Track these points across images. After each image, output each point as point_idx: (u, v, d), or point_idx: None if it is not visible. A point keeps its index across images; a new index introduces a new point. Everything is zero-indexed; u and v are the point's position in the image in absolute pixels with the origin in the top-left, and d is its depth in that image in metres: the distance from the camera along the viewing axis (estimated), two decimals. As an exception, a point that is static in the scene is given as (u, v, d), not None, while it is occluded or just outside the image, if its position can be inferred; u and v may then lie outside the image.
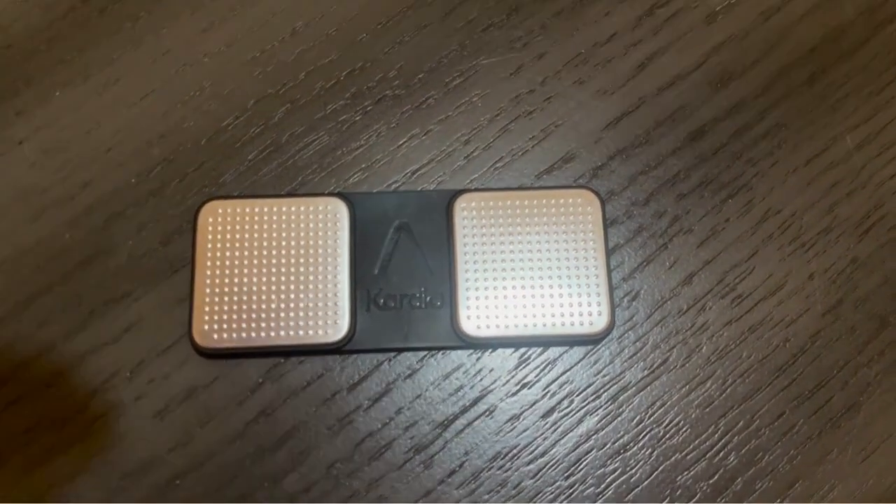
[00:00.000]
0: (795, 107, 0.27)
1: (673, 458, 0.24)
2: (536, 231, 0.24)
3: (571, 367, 0.25)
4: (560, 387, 0.24)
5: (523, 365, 0.25)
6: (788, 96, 0.27)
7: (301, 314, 0.24)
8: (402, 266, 0.24)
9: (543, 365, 0.25)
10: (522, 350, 0.25)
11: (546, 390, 0.24)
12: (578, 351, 0.25)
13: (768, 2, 0.28)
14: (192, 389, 0.24)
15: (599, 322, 0.24)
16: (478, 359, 0.25)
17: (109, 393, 0.24)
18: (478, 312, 0.24)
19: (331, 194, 0.25)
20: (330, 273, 0.24)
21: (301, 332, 0.23)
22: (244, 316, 0.23)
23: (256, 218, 0.24)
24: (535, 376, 0.25)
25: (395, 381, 0.24)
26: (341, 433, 0.24)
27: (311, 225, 0.24)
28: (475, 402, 0.24)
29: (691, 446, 0.24)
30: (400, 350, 0.24)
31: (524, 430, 0.24)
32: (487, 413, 0.24)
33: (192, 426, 0.24)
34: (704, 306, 0.25)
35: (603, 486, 0.24)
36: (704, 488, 0.24)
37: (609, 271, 0.24)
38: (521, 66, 0.27)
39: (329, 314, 0.24)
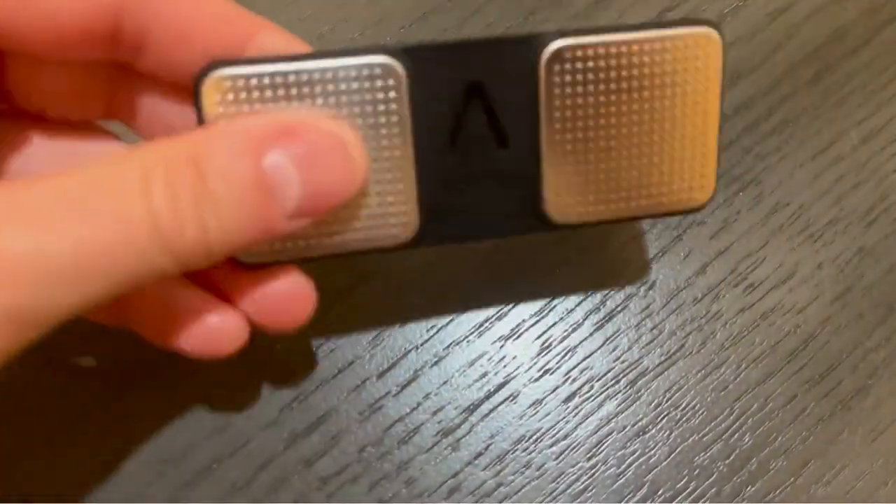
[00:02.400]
0: (802, 104, 0.28)
1: (690, 440, 0.25)
2: (643, 80, 0.20)
3: (591, 354, 0.26)
4: (581, 372, 0.25)
5: (545, 352, 0.26)
6: (795, 94, 0.28)
7: (356, 212, 0.19)
8: (476, 139, 0.20)
9: (564, 352, 0.26)
10: (544, 338, 0.26)
11: (567, 376, 0.25)
12: (598, 337, 0.26)
13: (774, 4, 0.29)
14: (228, 377, 0.25)
15: (701, 191, 0.21)
16: (501, 346, 0.26)
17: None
18: (565, 193, 0.20)
19: (380, 50, 0.19)
20: (387, 156, 0.19)
21: (358, 234, 0.20)
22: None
23: (283, 92, 0.18)
24: (556, 363, 0.26)
25: (423, 368, 0.25)
26: (371, 418, 0.25)
27: (356, 96, 0.19)
28: (499, 387, 0.25)
29: (707, 428, 0.25)
30: (478, 239, 0.21)
31: (547, 415, 0.25)
32: (511, 398, 0.25)
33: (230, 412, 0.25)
34: (718, 295, 0.26)
35: (623, 466, 0.25)
36: (721, 468, 0.25)
37: (718, 131, 0.21)
38: (538, 67, 0.28)
39: (391, 208, 0.19)
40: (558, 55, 0.19)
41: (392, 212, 0.20)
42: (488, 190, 0.20)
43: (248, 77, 0.18)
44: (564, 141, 0.20)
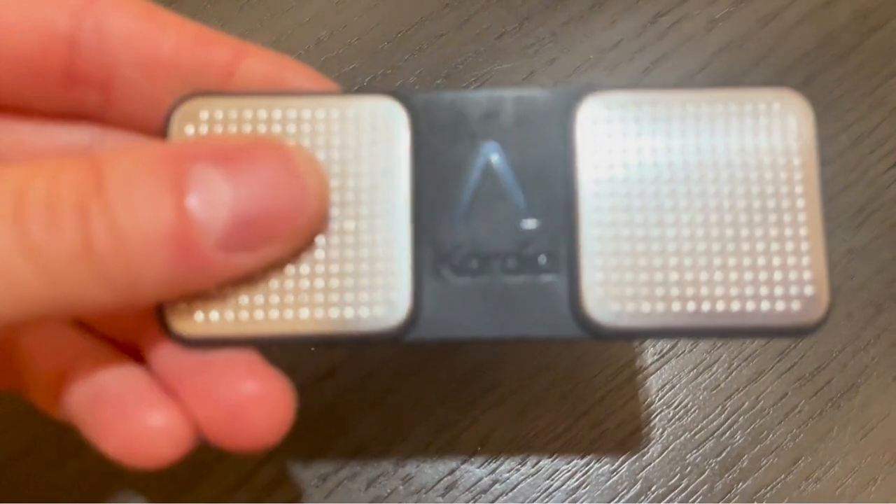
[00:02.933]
0: (792, 107, 0.29)
1: (682, 437, 0.25)
2: (712, 152, 0.16)
3: (585, 353, 0.26)
4: (576, 371, 0.26)
5: (540, 351, 0.26)
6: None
7: (329, 283, 0.15)
8: (491, 208, 0.16)
9: (560, 349, 0.26)
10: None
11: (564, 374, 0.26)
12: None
13: (764, 10, 0.30)
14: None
15: (810, 303, 0.16)
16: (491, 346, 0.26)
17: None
18: (615, 284, 0.16)
19: (381, 94, 0.16)
20: (378, 215, 0.16)
21: (328, 314, 0.15)
22: (235, 287, 0.15)
23: (263, 130, 0.16)
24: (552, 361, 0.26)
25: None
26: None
27: (348, 141, 0.16)
28: (494, 385, 0.26)
29: (699, 426, 0.25)
30: (490, 342, 0.16)
31: (540, 417, 0.25)
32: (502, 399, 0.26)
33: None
34: (710, 295, 0.27)
35: (617, 463, 0.25)
36: (713, 465, 0.25)
37: (822, 220, 0.16)
38: (533, 70, 0.29)
39: (377, 283, 0.15)
40: (599, 112, 0.16)
41: (377, 286, 0.15)
42: (507, 272, 0.16)
43: (225, 109, 0.16)
44: (609, 217, 0.16)
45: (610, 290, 0.16)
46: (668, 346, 0.26)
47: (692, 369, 0.26)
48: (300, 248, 0.15)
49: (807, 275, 0.16)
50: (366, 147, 0.16)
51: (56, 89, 0.17)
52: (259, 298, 0.15)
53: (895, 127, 0.28)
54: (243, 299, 0.15)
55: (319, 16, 0.29)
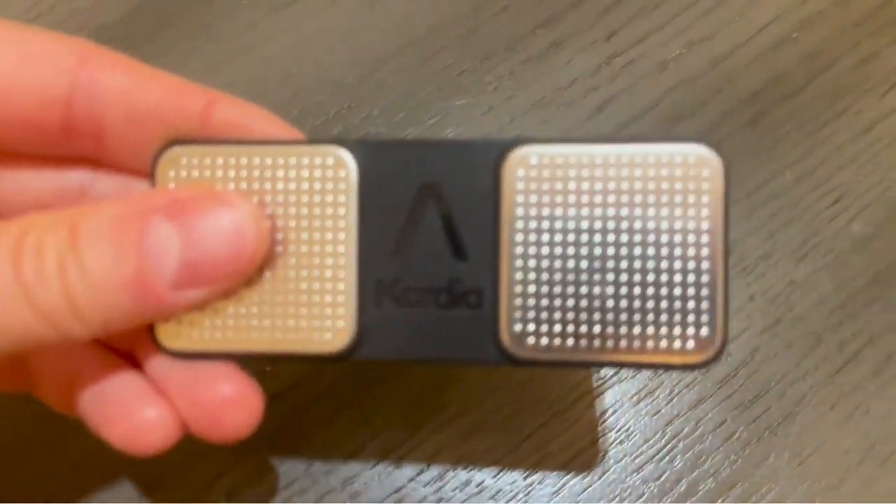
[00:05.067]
0: (739, 144, 0.30)
1: (623, 461, 0.26)
2: (627, 203, 0.17)
3: (530, 380, 0.27)
4: (520, 394, 0.27)
5: (488, 375, 0.27)
6: (733, 135, 0.30)
7: (286, 310, 0.18)
8: (428, 246, 0.18)
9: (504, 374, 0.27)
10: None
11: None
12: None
13: (715, 52, 0.31)
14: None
15: (704, 343, 0.17)
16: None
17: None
18: (532, 318, 0.18)
19: (333, 142, 0.18)
20: (328, 252, 0.18)
21: (287, 335, 0.18)
22: (211, 310, 0.18)
23: (232, 173, 0.18)
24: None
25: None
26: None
27: (304, 185, 0.18)
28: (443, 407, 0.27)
29: (640, 450, 0.26)
30: (423, 361, 0.19)
31: (485, 438, 0.26)
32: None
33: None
34: (654, 323, 0.28)
35: (559, 485, 0.26)
36: (652, 488, 0.26)
37: (726, 266, 0.17)
38: (491, 106, 0.30)
39: (326, 311, 0.18)
40: (525, 163, 0.18)
41: (326, 314, 0.18)
42: (439, 306, 0.18)
43: (199, 155, 0.18)
44: (527, 261, 0.18)
45: (525, 326, 0.18)
46: (611, 372, 0.27)
47: (634, 394, 0.27)
48: (252, 281, 0.18)
49: (704, 318, 0.17)
50: (319, 192, 0.18)
51: (54, 140, 0.19)
52: (229, 322, 0.18)
53: (837, 165, 0.29)
54: (216, 322, 0.18)
55: (289, 51, 0.31)
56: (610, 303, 0.18)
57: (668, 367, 0.18)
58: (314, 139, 0.19)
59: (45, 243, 0.16)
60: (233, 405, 0.19)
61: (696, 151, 0.17)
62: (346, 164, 0.18)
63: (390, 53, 0.31)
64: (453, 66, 0.31)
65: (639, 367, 0.18)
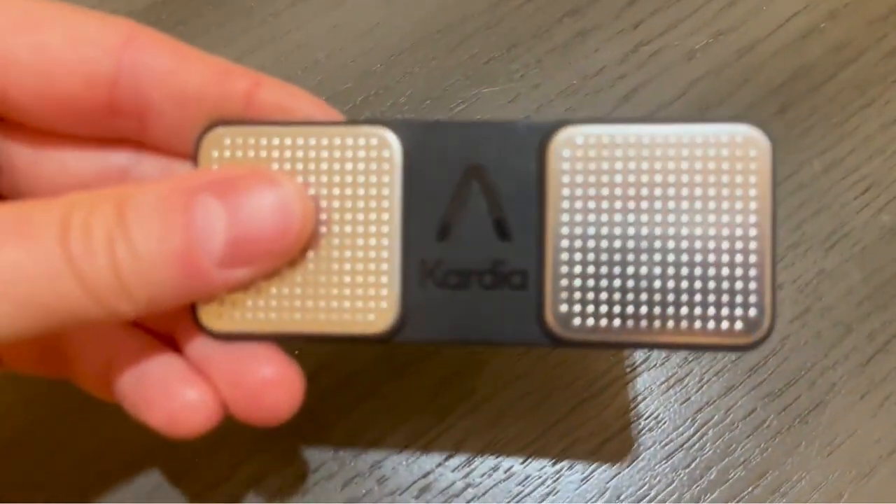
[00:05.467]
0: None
1: (652, 448, 0.26)
2: (674, 184, 0.17)
3: (560, 364, 0.27)
4: (552, 380, 0.27)
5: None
6: (760, 125, 0.30)
7: (330, 291, 0.18)
8: (472, 228, 0.18)
9: (535, 360, 0.27)
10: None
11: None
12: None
13: (741, 42, 0.31)
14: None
15: (752, 324, 0.17)
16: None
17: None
18: (578, 298, 0.18)
19: (378, 123, 0.18)
20: (372, 233, 0.18)
21: (330, 316, 0.18)
22: (254, 291, 0.18)
23: (276, 153, 0.18)
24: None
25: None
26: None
27: (349, 165, 0.18)
28: (470, 392, 0.26)
29: (669, 437, 0.26)
30: (465, 344, 0.19)
31: (513, 424, 0.26)
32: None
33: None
34: (683, 311, 0.27)
35: (588, 472, 0.26)
36: (682, 476, 0.26)
37: (774, 246, 0.17)
38: (518, 94, 0.30)
39: (370, 292, 0.18)
40: (571, 143, 0.18)
41: (370, 295, 0.18)
42: (483, 287, 0.18)
43: (243, 136, 0.18)
44: (573, 241, 0.18)
45: (571, 307, 0.18)
46: (641, 358, 0.27)
47: (664, 382, 0.27)
48: (295, 262, 0.18)
49: (752, 298, 0.17)
50: (363, 172, 0.18)
51: (98, 120, 0.19)
52: (272, 303, 0.18)
53: (866, 155, 0.29)
54: (259, 302, 0.18)
55: (317, 38, 0.31)
56: (656, 283, 0.17)
57: (715, 349, 0.18)
58: (358, 120, 0.19)
59: (92, 220, 0.16)
60: (274, 386, 0.18)
61: (744, 132, 0.17)
62: (390, 144, 0.18)
63: (417, 41, 0.31)
64: (480, 55, 0.31)
65: (685, 348, 0.18)
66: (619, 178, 0.17)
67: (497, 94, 0.30)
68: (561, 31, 0.31)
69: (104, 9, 0.30)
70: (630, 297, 0.17)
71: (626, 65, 0.31)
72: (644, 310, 0.17)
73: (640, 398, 0.26)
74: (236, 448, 0.26)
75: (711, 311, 0.17)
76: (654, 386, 0.27)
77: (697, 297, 0.17)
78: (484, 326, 0.18)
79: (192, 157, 0.19)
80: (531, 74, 0.30)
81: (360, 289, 0.18)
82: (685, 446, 0.26)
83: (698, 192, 0.17)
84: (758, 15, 0.31)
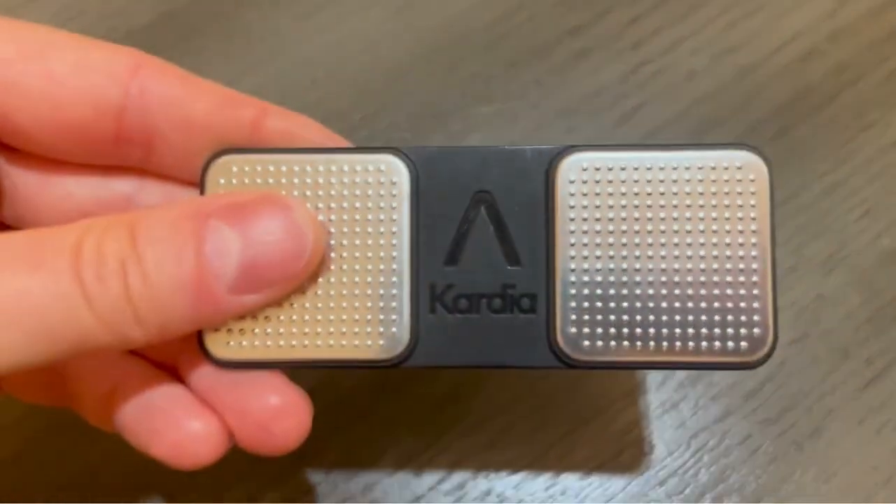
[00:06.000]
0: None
1: (646, 474, 0.26)
2: (676, 207, 0.18)
3: (556, 390, 0.27)
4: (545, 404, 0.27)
5: (511, 383, 0.27)
6: (758, 149, 0.30)
7: (339, 318, 0.18)
8: (481, 253, 0.18)
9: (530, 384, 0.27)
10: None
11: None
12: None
13: (742, 63, 0.31)
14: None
15: (756, 343, 0.18)
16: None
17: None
18: (585, 322, 0.18)
19: (385, 150, 0.19)
20: (381, 259, 0.18)
21: (339, 343, 0.18)
22: (262, 318, 0.18)
23: (284, 181, 0.18)
24: (522, 394, 0.27)
25: (393, 394, 0.27)
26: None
27: (357, 192, 0.18)
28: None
29: (664, 463, 0.26)
30: (476, 367, 0.19)
31: (507, 448, 0.26)
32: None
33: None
34: (679, 335, 0.27)
35: (581, 496, 0.26)
36: (675, 502, 0.25)
37: (774, 266, 0.18)
38: (517, 114, 0.30)
39: (379, 318, 0.18)
40: (577, 169, 0.18)
41: (380, 321, 0.18)
42: (493, 311, 0.18)
43: (251, 163, 0.18)
44: (581, 264, 0.18)
45: (580, 329, 0.18)
46: (636, 383, 0.27)
47: (658, 406, 0.26)
48: (304, 288, 0.18)
49: (756, 317, 0.18)
50: (371, 198, 0.18)
51: (104, 148, 0.19)
52: (280, 330, 0.18)
53: (866, 178, 0.29)
54: (267, 330, 0.18)
55: (316, 56, 0.31)
56: (663, 304, 0.18)
57: (721, 367, 0.18)
58: (365, 147, 0.19)
59: (105, 245, 0.16)
60: (282, 416, 0.18)
61: (744, 157, 0.18)
62: (398, 171, 0.18)
63: (416, 60, 0.31)
64: (479, 73, 0.31)
65: (692, 367, 0.18)
66: (624, 202, 0.18)
67: (496, 114, 0.30)
68: (561, 50, 0.31)
69: (101, 26, 0.31)
70: (638, 318, 0.18)
71: (626, 85, 0.30)
72: (651, 331, 0.18)
73: (634, 423, 0.26)
74: (230, 469, 0.26)
75: (717, 331, 0.18)
76: (648, 410, 0.26)
77: (703, 317, 0.18)
78: (494, 350, 0.18)
79: (199, 184, 0.19)
80: (530, 94, 0.30)
81: (369, 314, 0.18)
82: (679, 471, 0.26)
83: (701, 214, 0.18)
84: (759, 36, 0.31)
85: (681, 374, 0.27)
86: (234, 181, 0.19)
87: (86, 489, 0.26)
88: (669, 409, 0.26)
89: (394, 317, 0.18)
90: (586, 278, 0.18)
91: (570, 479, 0.26)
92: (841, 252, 0.28)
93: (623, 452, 0.26)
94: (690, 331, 0.18)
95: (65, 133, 0.19)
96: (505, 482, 0.26)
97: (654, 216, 0.18)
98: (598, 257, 0.18)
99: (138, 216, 0.17)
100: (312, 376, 0.27)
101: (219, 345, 0.18)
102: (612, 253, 0.18)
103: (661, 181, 0.18)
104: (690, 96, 0.30)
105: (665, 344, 0.18)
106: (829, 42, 0.31)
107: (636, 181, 0.18)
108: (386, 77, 0.31)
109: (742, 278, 0.18)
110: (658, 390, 0.27)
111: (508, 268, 0.18)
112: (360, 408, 0.26)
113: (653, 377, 0.27)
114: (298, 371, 0.26)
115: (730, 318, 0.18)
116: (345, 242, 0.18)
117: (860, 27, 0.31)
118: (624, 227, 0.18)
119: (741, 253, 0.18)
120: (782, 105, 0.30)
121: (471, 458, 0.26)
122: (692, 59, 0.31)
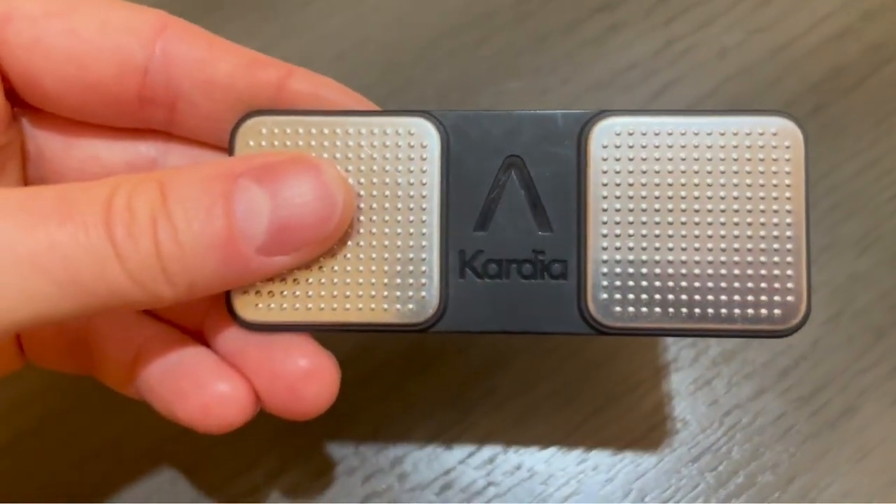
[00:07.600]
0: (800, 134, 0.29)
1: (679, 450, 0.25)
2: (710, 173, 0.18)
3: (586, 362, 0.26)
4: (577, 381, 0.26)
5: (541, 358, 0.27)
6: (794, 118, 0.29)
7: (368, 281, 0.18)
8: (511, 218, 0.18)
9: (561, 360, 0.26)
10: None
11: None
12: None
13: (776, 40, 0.30)
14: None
15: (789, 310, 0.18)
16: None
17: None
18: (617, 288, 0.18)
19: (415, 113, 0.18)
20: (412, 224, 0.18)
21: (368, 306, 0.18)
22: (291, 281, 0.18)
23: (313, 143, 0.18)
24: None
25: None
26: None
27: (387, 155, 0.18)
28: (491, 390, 0.26)
29: (696, 440, 0.26)
30: (505, 333, 0.19)
31: (538, 423, 0.26)
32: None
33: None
34: (711, 312, 0.27)
35: (612, 472, 0.25)
36: (708, 479, 0.25)
37: (808, 233, 0.18)
38: (546, 89, 0.30)
39: (409, 282, 0.18)
40: (609, 134, 0.18)
41: (409, 285, 0.18)
42: (523, 277, 0.18)
43: (280, 125, 0.18)
44: (613, 230, 0.18)
45: (612, 295, 0.18)
46: (669, 359, 0.26)
47: (691, 383, 0.26)
48: (333, 251, 0.18)
49: (789, 284, 0.18)
50: (402, 161, 0.18)
51: (128, 109, 0.19)
52: (309, 293, 0.18)
53: (901, 157, 0.29)
54: (296, 292, 0.18)
55: (342, 30, 0.31)
56: (695, 270, 0.18)
57: (754, 335, 0.18)
58: (396, 110, 0.19)
59: (136, 202, 0.16)
60: (311, 378, 0.18)
61: (780, 123, 0.18)
62: (428, 134, 0.18)
63: (445, 34, 0.31)
64: (508, 48, 0.30)
65: (724, 334, 0.18)
66: (657, 168, 0.18)
67: (525, 89, 0.30)
68: (592, 25, 0.30)
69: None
70: (670, 284, 0.18)
71: (657, 61, 0.30)
72: (683, 297, 0.18)
73: (667, 400, 0.26)
74: (257, 441, 0.25)
75: (750, 297, 0.18)
76: (681, 388, 0.26)
77: (736, 284, 0.18)
78: (523, 316, 0.18)
79: (229, 145, 0.18)
80: (561, 69, 0.30)
81: (398, 279, 0.18)
82: (712, 449, 0.25)
83: (735, 181, 0.18)
84: (792, 14, 0.30)
85: (714, 352, 0.26)
86: (263, 143, 0.18)
87: (107, 461, 0.25)
88: (702, 386, 0.26)
89: (423, 281, 0.18)
90: (618, 244, 0.18)
91: (601, 455, 0.25)
92: (875, 231, 0.28)
93: (655, 429, 0.26)
94: (723, 297, 0.18)
95: (89, 93, 0.18)
96: (535, 457, 0.25)
97: (688, 182, 0.18)
98: (630, 223, 0.18)
99: (169, 174, 0.16)
100: (342, 350, 0.26)
101: (247, 307, 0.18)
102: (644, 219, 0.18)
103: (696, 147, 0.18)
104: (722, 73, 0.30)
105: (697, 310, 0.18)
106: (863, 21, 0.30)
107: (670, 146, 0.18)
108: (413, 51, 0.30)
109: (776, 245, 0.18)
110: (691, 367, 0.26)
111: (539, 233, 0.18)
112: (390, 382, 0.26)
113: (685, 354, 0.26)
114: (326, 345, 0.26)
115: (763, 285, 0.18)
116: (374, 206, 0.18)
117: (894, 5, 0.30)
118: (657, 193, 0.18)
119: (775, 220, 0.18)
120: (815, 83, 0.30)
121: (500, 433, 0.26)
122: (724, 37, 0.31)
